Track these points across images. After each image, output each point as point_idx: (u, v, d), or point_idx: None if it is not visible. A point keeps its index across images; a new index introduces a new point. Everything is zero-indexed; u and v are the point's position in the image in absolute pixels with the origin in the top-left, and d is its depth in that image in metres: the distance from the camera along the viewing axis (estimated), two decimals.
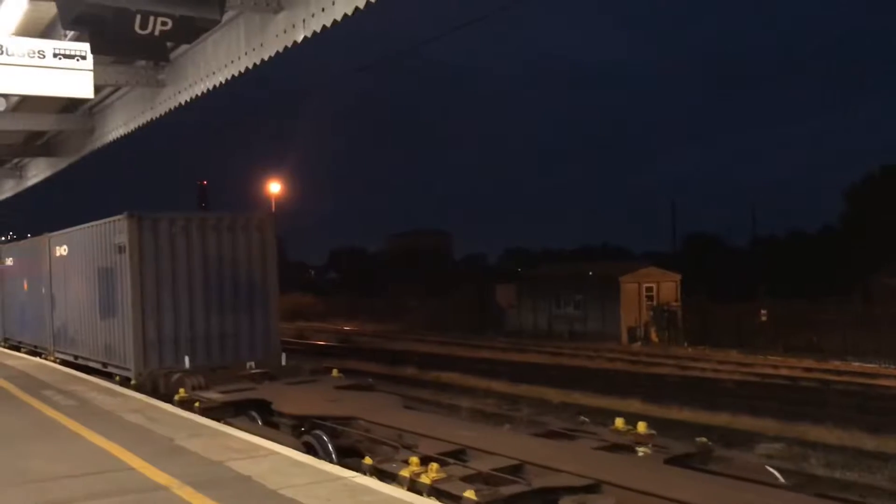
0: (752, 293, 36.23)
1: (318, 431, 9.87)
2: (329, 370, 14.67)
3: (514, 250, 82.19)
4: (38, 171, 23.97)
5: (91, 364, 16.81)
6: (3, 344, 24.51)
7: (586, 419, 9.95)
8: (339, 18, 9.43)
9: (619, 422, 8.96)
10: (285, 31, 10.47)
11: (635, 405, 17.33)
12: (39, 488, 7.32)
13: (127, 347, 14.85)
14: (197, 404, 11.69)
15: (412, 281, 59.41)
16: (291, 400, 11.31)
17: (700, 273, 41.45)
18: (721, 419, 15.73)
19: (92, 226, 16.57)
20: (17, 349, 22.59)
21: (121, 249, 14.78)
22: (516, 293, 42.27)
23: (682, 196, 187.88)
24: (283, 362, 15.21)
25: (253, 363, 14.81)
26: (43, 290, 20.00)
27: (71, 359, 18.09)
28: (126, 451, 8.64)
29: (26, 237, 28.13)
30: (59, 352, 19.14)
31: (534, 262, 58.71)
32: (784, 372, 23.20)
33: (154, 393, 13.54)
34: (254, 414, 11.50)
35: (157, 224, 14.66)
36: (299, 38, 10.25)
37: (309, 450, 9.34)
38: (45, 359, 19.54)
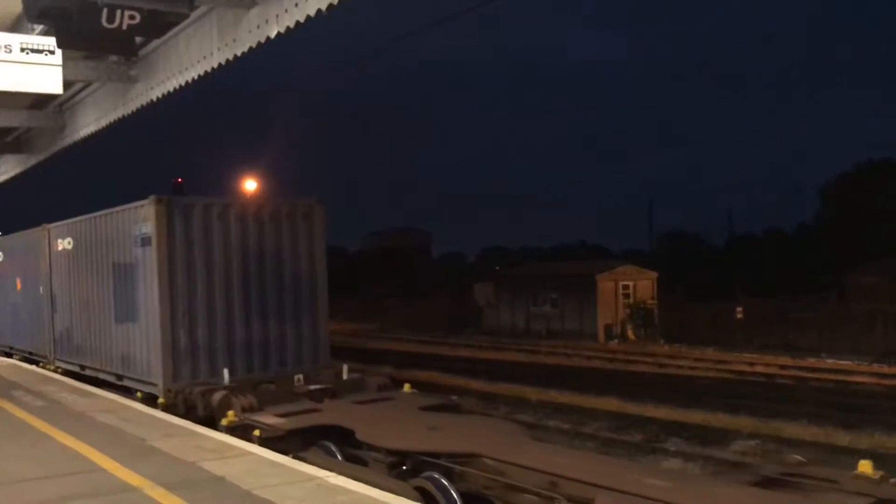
0: (729, 291, 36.48)
1: (431, 473, 7.97)
2: (399, 383, 12.78)
3: (492, 249, 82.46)
4: (7, 169, 23.63)
5: (102, 376, 14.66)
6: None
7: (802, 458, 7.86)
8: (312, 14, 9.39)
9: (866, 465, 6.88)
10: (258, 27, 10.39)
11: (612, 403, 17.42)
12: (9, 491, 7.20)
13: (152, 358, 12.53)
14: (257, 433, 9.80)
15: (390, 279, 59.26)
16: (379, 428, 9.39)
17: (677, 271, 41.75)
18: (697, 417, 15.81)
19: (105, 214, 14.32)
20: (9, 356, 20.67)
21: (144, 241, 12.61)
22: (494, 292, 42.30)
23: (659, 195, 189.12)
24: (346, 375, 12.82)
25: (301, 376, 12.66)
26: (41, 290, 17.71)
27: (77, 369, 15.94)
28: (97, 452, 8.52)
29: None
30: (60, 361, 16.91)
31: (512, 261, 58.80)
32: (760, 369, 23.37)
33: (189, 414, 11.40)
34: (330, 445, 9.48)
35: (189, 210, 12.39)
36: (273, 34, 10.18)
37: (425, 497, 7.60)
38: (45, 368, 17.51)
